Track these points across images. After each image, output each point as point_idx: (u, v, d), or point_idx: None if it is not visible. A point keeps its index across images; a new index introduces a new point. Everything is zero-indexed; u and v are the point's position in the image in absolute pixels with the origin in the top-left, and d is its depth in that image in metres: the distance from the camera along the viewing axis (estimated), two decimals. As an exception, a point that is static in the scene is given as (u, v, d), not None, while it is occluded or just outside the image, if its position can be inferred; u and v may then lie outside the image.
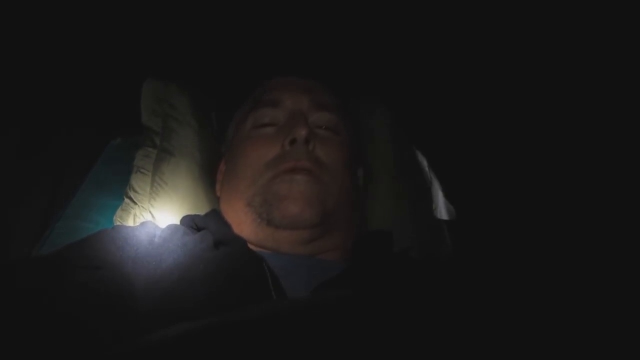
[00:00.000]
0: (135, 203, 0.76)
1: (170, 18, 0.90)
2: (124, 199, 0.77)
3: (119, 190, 0.79)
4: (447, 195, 0.82)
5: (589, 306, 0.53)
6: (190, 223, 0.64)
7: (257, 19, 0.91)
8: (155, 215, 0.74)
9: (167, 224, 0.65)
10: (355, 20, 0.91)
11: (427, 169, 0.84)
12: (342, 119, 0.70)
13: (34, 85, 0.90)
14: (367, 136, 0.84)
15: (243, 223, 0.63)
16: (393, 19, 0.92)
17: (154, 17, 0.90)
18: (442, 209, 0.82)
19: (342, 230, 0.65)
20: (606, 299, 0.50)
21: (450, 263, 0.73)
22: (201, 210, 0.74)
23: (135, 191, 0.77)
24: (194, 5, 0.90)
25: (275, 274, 0.51)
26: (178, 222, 0.66)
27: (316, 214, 0.59)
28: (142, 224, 0.63)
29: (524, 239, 0.80)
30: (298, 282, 0.53)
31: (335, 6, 0.90)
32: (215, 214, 0.66)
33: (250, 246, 0.60)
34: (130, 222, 0.74)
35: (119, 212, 0.76)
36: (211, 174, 0.79)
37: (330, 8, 0.90)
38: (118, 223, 0.74)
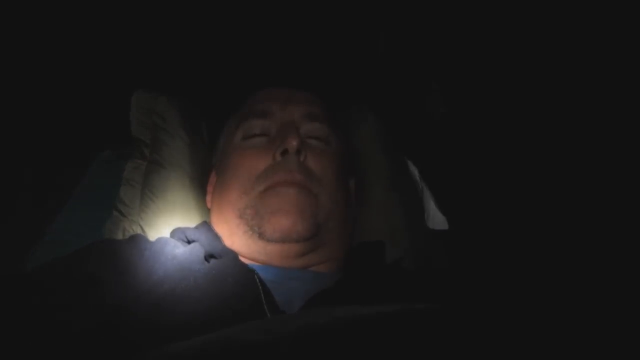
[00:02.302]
0: (124, 216, 0.75)
1: (160, 29, 0.90)
2: (113, 212, 0.76)
3: (108, 203, 0.78)
4: (438, 205, 0.82)
5: (585, 315, 0.53)
6: (181, 236, 0.63)
7: (246, 30, 0.92)
8: (145, 229, 0.73)
9: (157, 237, 0.64)
10: (344, 31, 0.92)
11: (418, 178, 0.85)
12: (333, 129, 0.70)
13: (21, 96, 0.89)
14: (358, 146, 0.84)
15: (234, 235, 0.63)
16: (381, 29, 0.93)
17: (144, 29, 0.90)
18: (434, 218, 0.82)
19: (334, 242, 0.64)
20: (602, 313, 0.51)
21: (443, 273, 0.73)
22: (192, 222, 0.73)
23: (125, 204, 0.76)
24: (184, 17, 0.90)
25: (267, 287, 0.51)
26: (168, 235, 0.65)
27: (308, 227, 0.59)
28: (132, 237, 0.62)
29: (519, 247, 0.80)
30: (291, 294, 0.53)
31: (324, 17, 0.91)
32: (205, 226, 0.66)
33: (242, 259, 0.59)
34: (119, 236, 0.73)
35: (108, 225, 0.75)
36: (202, 185, 0.78)
37: (319, 19, 0.91)
38: (107, 237, 0.73)
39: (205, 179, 0.78)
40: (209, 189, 0.75)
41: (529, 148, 0.86)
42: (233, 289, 0.50)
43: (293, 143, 0.61)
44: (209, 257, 0.58)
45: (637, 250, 0.72)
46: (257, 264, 0.61)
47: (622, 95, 0.83)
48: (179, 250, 0.58)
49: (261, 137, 0.67)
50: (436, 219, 0.82)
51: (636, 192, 0.77)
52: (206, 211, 0.76)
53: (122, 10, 0.88)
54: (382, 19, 0.89)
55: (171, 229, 0.66)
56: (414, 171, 0.85)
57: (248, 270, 0.53)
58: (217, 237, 0.63)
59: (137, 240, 0.60)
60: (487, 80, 0.87)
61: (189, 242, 0.62)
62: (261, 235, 0.60)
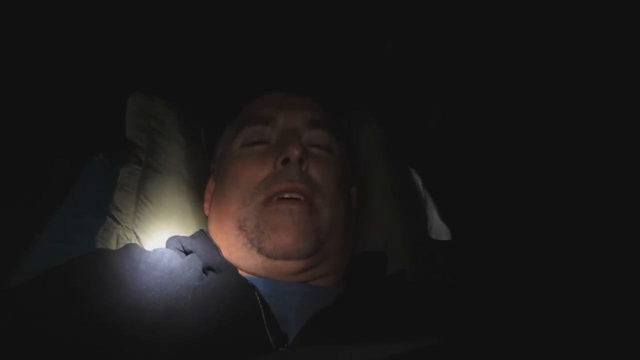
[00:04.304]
0: (118, 223, 0.73)
1: (158, 32, 0.88)
2: (106, 219, 0.73)
3: (101, 209, 0.75)
4: (441, 215, 0.81)
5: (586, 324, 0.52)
6: (177, 245, 0.61)
7: (246, 34, 0.90)
8: (140, 236, 0.71)
9: (152, 246, 0.62)
10: (346, 35, 0.90)
11: (421, 187, 0.83)
12: (335, 136, 0.69)
13: (11, 97, 0.86)
14: (360, 153, 0.82)
15: (233, 246, 0.61)
16: (381, 35, 0.91)
17: (141, 31, 0.87)
18: (436, 228, 0.80)
19: (336, 255, 0.62)
20: (600, 327, 0.50)
21: (445, 285, 0.71)
22: (188, 230, 0.71)
23: (119, 210, 0.74)
24: (183, 19, 0.88)
25: (267, 304, 0.49)
26: (164, 243, 0.63)
27: (310, 244, 0.57)
28: (126, 247, 0.60)
29: (521, 258, 0.79)
30: (291, 312, 0.51)
31: (325, 21, 0.89)
32: (203, 236, 0.64)
33: (240, 272, 0.57)
34: (113, 243, 0.71)
35: (101, 232, 0.72)
36: (199, 192, 0.76)
37: (320, 23, 0.89)
38: (100, 244, 0.71)
39: (203, 185, 0.76)
40: (207, 196, 0.72)
41: (535, 158, 0.84)
42: (233, 307, 0.48)
43: (295, 152, 0.59)
44: (207, 269, 0.56)
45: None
46: (255, 277, 0.59)
47: (617, 108, 0.83)
48: (176, 262, 0.56)
49: (261, 144, 0.65)
50: (439, 229, 0.80)
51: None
52: (204, 218, 0.74)
53: (120, 12, 0.86)
54: (386, 22, 0.88)
55: (167, 237, 0.64)
56: (417, 180, 0.84)
57: (248, 287, 0.51)
58: (215, 248, 0.61)
59: (131, 252, 0.57)
60: (492, 90, 0.86)
61: (185, 252, 0.60)
62: (260, 250, 0.58)
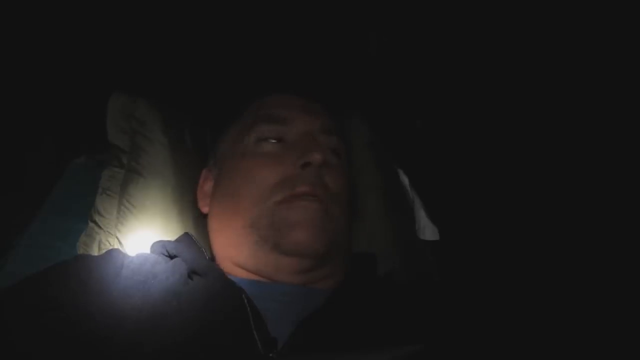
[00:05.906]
0: (100, 228, 0.71)
1: (141, 31, 0.86)
2: (88, 223, 0.71)
3: (82, 213, 0.73)
4: (430, 215, 0.81)
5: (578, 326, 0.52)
6: (162, 250, 0.60)
7: (233, 33, 0.88)
8: (123, 242, 0.69)
9: (135, 251, 0.60)
10: (336, 34, 0.89)
11: (409, 188, 0.83)
12: (343, 143, 0.69)
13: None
14: (350, 154, 0.82)
15: (241, 244, 0.59)
16: (373, 31, 0.91)
17: (124, 30, 0.86)
18: (425, 229, 0.80)
19: (338, 258, 0.62)
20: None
21: (435, 286, 0.71)
22: (173, 234, 0.69)
23: (101, 215, 0.72)
24: (167, 18, 0.86)
25: (255, 307, 0.48)
26: (148, 249, 0.62)
27: (324, 244, 0.57)
28: (108, 252, 0.58)
29: (510, 257, 0.79)
30: (281, 314, 0.50)
31: (315, 20, 0.88)
32: (188, 239, 0.62)
33: (240, 270, 0.56)
34: (95, 249, 0.69)
35: (82, 237, 0.70)
36: (185, 194, 0.74)
37: (310, 22, 0.88)
38: (82, 250, 0.69)
39: (188, 187, 0.74)
40: (200, 194, 0.71)
41: (525, 158, 0.85)
42: (219, 312, 0.47)
43: (318, 157, 0.59)
44: (192, 273, 0.55)
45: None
46: (251, 278, 0.58)
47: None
48: (160, 267, 0.54)
49: (276, 143, 0.64)
50: (427, 230, 0.80)
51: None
52: (189, 221, 0.72)
53: (103, 10, 0.84)
54: (374, 21, 0.88)
55: (151, 242, 0.63)
56: (405, 180, 0.83)
57: (236, 290, 0.49)
58: (200, 252, 0.59)
59: (113, 257, 0.56)
60: (480, 90, 0.86)
61: (170, 256, 0.59)
62: (275, 247, 0.57)
